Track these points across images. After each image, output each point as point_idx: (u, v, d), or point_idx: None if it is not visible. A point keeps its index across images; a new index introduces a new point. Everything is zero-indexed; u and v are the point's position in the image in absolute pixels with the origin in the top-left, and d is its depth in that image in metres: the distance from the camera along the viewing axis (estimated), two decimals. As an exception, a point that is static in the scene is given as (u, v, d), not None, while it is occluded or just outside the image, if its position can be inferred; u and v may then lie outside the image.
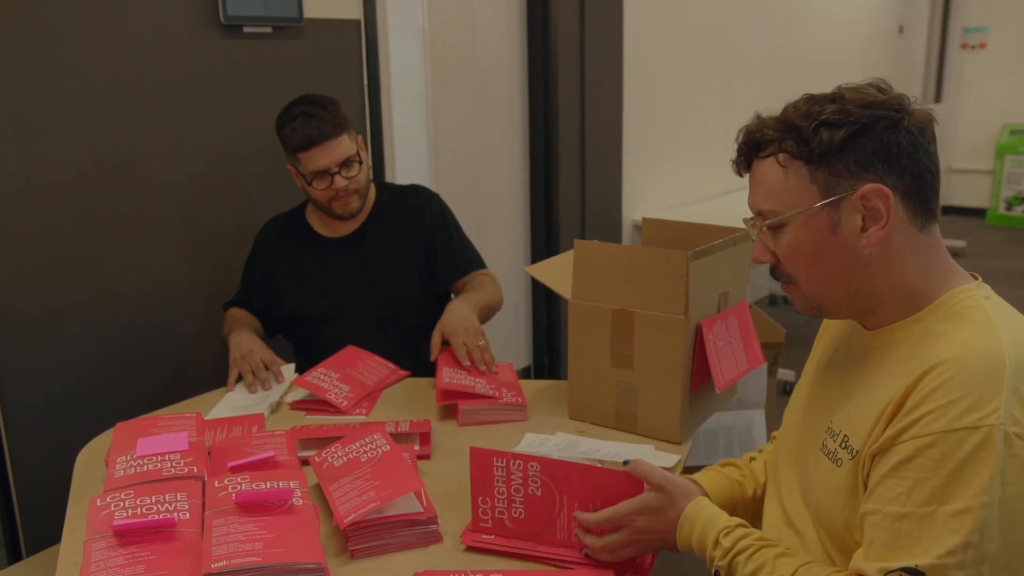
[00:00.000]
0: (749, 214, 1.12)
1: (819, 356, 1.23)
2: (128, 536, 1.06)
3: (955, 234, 6.74)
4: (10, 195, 1.90)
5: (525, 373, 3.59)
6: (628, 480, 1.18)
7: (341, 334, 1.99)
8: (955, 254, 4.36)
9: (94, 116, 2.01)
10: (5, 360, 1.92)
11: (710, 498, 1.21)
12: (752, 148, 1.06)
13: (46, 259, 1.97)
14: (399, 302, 2.06)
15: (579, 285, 1.65)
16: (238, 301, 2.14)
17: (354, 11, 2.52)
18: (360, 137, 2.02)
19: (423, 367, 1.97)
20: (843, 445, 1.04)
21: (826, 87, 1.08)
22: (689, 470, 1.53)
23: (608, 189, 3.73)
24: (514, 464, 1.23)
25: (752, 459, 1.38)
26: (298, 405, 1.78)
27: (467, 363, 1.80)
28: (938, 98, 7.57)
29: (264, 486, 1.18)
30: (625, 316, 1.59)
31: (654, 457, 1.51)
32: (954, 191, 7.57)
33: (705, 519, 1.11)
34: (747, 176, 1.10)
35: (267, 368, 1.86)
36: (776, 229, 1.06)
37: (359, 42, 2.56)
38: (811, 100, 1.03)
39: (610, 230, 3.77)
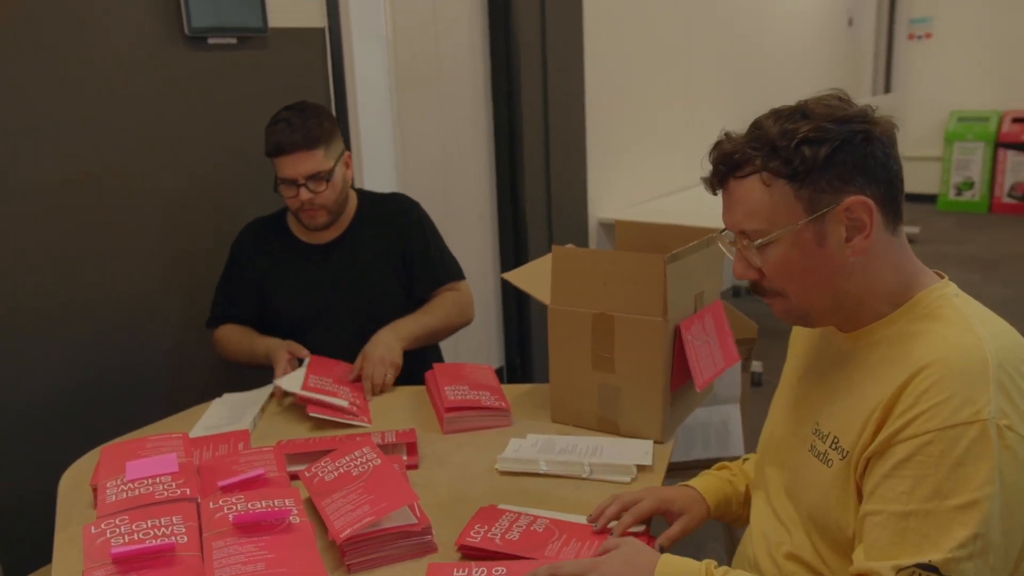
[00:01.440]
0: (716, 211, 1.14)
1: (796, 361, 1.27)
2: (128, 563, 1.06)
3: (908, 220, 6.83)
4: (-24, 216, 1.87)
5: (498, 375, 3.60)
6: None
7: (322, 340, 2.00)
8: (910, 240, 4.46)
9: (57, 130, 1.98)
10: (-23, 384, 1.89)
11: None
12: (730, 168, 1.08)
13: (11, 276, 1.94)
14: (379, 308, 2.06)
15: (558, 290, 1.67)
16: (220, 316, 2.11)
17: (318, 19, 2.52)
18: (347, 154, 2.02)
19: (405, 374, 1.98)
20: (833, 446, 1.07)
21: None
22: (669, 467, 1.57)
23: (573, 189, 3.76)
24: (476, 573, 1.17)
25: (745, 460, 1.43)
26: (304, 400, 1.76)
27: (367, 391, 1.87)
28: (887, 88, 7.74)
29: (260, 506, 1.18)
30: (605, 320, 1.62)
31: (631, 453, 1.53)
32: (905, 178, 7.72)
33: (687, 562, 1.09)
34: (720, 192, 1.12)
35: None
36: (763, 247, 1.08)
37: (324, 50, 2.55)
38: (780, 116, 1.05)
39: (577, 230, 3.81)
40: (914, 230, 6.50)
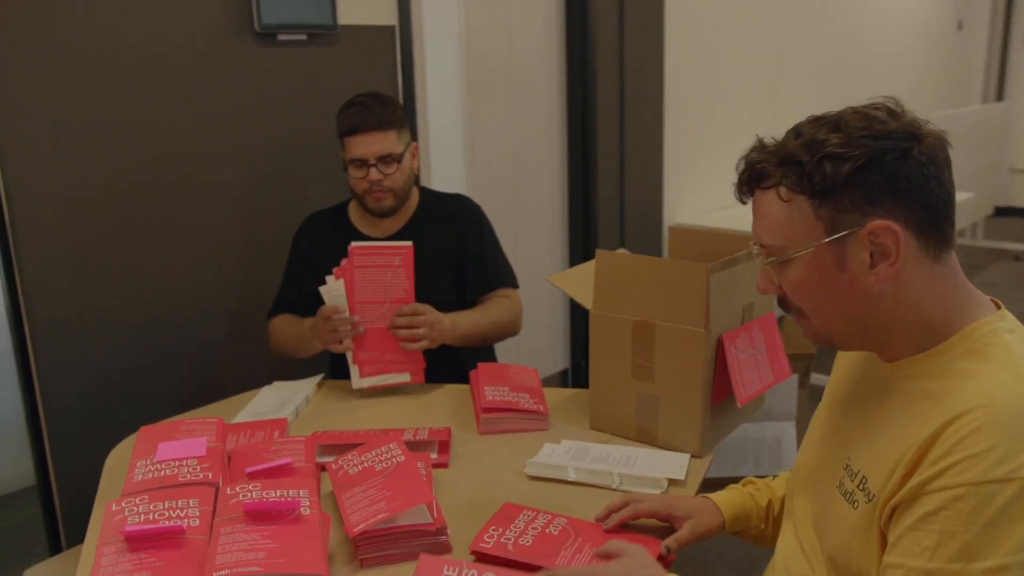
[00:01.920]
0: None
1: (838, 383, 1.19)
2: (138, 542, 1.09)
3: (1017, 236, 6.52)
4: (50, 202, 1.96)
5: (563, 377, 3.58)
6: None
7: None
8: (1016, 257, 4.21)
9: (131, 125, 2.06)
10: (47, 361, 1.99)
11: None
12: (754, 179, 1.01)
13: (85, 264, 2.04)
14: (433, 307, 2.06)
15: (600, 295, 1.64)
16: (282, 305, 2.14)
17: (389, 17, 2.55)
18: (414, 144, 2.05)
19: (455, 373, 1.98)
20: (860, 487, 1.00)
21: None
22: (714, 482, 1.51)
23: (649, 193, 3.70)
24: (467, 572, 1.14)
25: (775, 477, 1.37)
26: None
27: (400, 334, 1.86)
28: (1000, 96, 7.32)
29: (274, 495, 1.20)
30: (646, 328, 1.58)
31: (665, 465, 1.49)
32: (1015, 191, 7.31)
33: None
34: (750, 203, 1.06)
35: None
36: (781, 264, 1.01)
37: (394, 48, 2.58)
38: (815, 125, 0.98)
39: (650, 235, 3.74)
40: (1021, 247, 6.13)
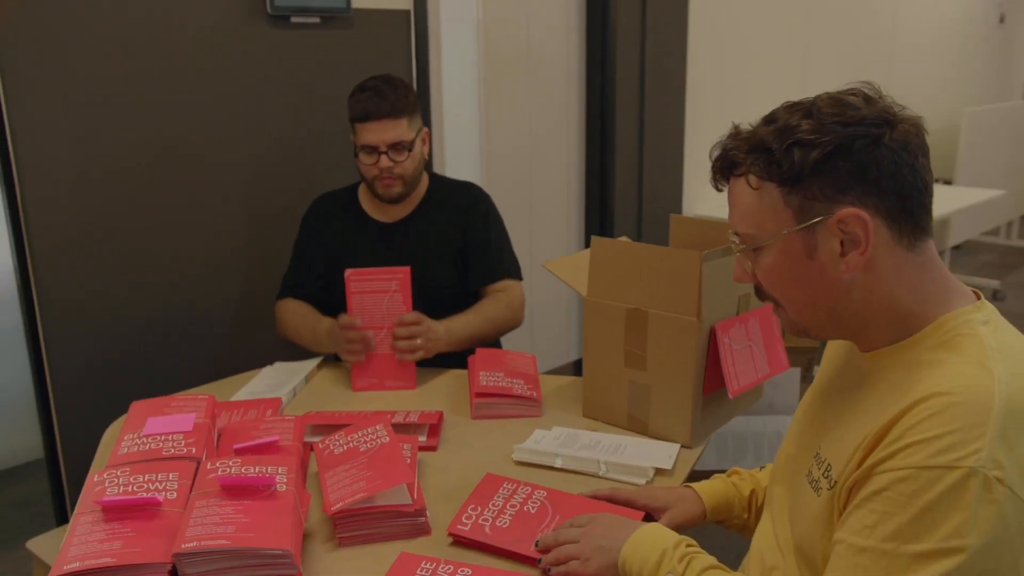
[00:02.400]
0: None
1: (824, 372, 1.18)
2: (113, 512, 1.10)
3: (1054, 236, 6.35)
4: (61, 183, 2.00)
5: (575, 367, 3.57)
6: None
7: None
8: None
9: (142, 107, 2.09)
10: (55, 338, 2.03)
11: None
12: (726, 166, 1.01)
13: (94, 244, 2.07)
14: (433, 294, 2.06)
15: (595, 282, 1.63)
16: (291, 287, 2.14)
17: (404, 2, 2.55)
18: (425, 130, 2.05)
19: (454, 357, 1.98)
20: (825, 474, 0.99)
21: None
22: (708, 474, 1.50)
23: (668, 184, 3.66)
24: (443, 569, 1.16)
25: (762, 468, 1.36)
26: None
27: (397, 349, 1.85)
28: (1042, 92, 7.14)
29: (252, 471, 1.21)
30: (639, 315, 1.56)
31: (653, 454, 1.48)
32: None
33: (661, 531, 1.12)
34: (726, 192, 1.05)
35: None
36: (753, 252, 1.01)
37: (408, 33, 2.58)
38: (789, 110, 0.96)
39: (668, 226, 3.70)
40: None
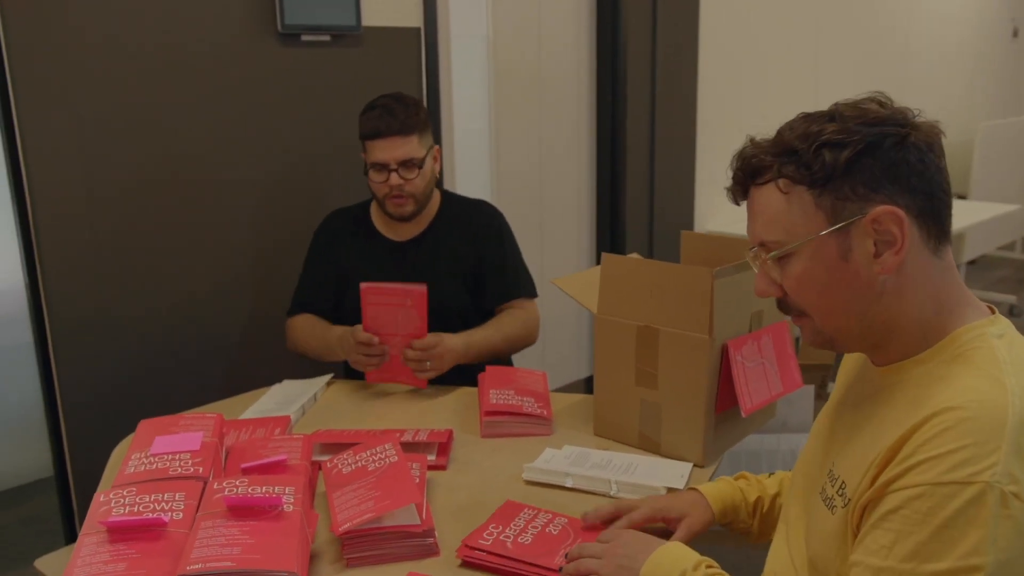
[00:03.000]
0: None
1: (837, 391, 1.17)
2: (118, 533, 1.09)
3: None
4: (73, 201, 2.01)
5: (587, 384, 3.55)
6: None
7: None
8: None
9: (153, 124, 2.10)
10: (66, 357, 2.03)
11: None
12: (748, 175, 0.99)
13: (105, 263, 2.08)
14: (446, 312, 2.05)
15: (605, 300, 1.61)
16: (302, 303, 2.13)
17: (414, 19, 2.55)
18: (436, 148, 2.04)
19: (464, 375, 1.96)
20: (839, 492, 0.98)
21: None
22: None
23: (679, 200, 3.65)
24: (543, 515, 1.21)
25: (770, 475, 1.34)
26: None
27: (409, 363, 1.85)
28: (1057, 106, 7.09)
29: (259, 491, 1.20)
30: (650, 333, 1.55)
31: (665, 474, 1.46)
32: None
33: (683, 550, 1.10)
34: (745, 204, 1.04)
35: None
36: (782, 260, 0.99)
37: (419, 50, 2.58)
38: (808, 119, 0.96)
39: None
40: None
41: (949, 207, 0.96)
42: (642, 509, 1.28)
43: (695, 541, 1.25)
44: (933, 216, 0.94)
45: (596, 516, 1.29)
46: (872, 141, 0.91)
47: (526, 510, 1.35)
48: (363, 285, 1.84)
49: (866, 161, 0.92)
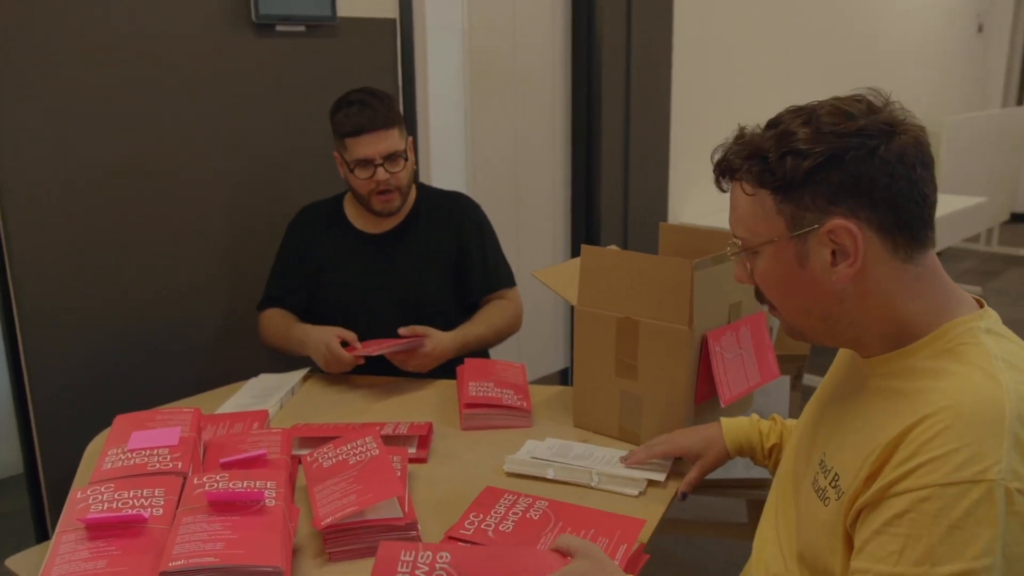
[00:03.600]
0: None
1: (828, 380, 1.18)
2: (97, 530, 1.08)
3: (1033, 245, 6.42)
4: (43, 193, 1.97)
5: (562, 376, 3.56)
6: (550, 559, 1.08)
7: (366, 332, 1.99)
8: (1031, 269, 3.94)
9: (126, 115, 2.06)
10: (36, 352, 1.99)
11: None
12: (725, 170, 1.02)
13: (76, 255, 2.04)
14: (426, 306, 2.04)
15: (585, 292, 1.62)
16: (273, 297, 2.10)
17: (390, 10, 2.53)
18: (411, 139, 2.02)
19: (443, 368, 1.96)
20: (833, 483, 0.98)
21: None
22: (706, 483, 1.49)
23: (653, 193, 3.66)
24: (421, 557, 1.07)
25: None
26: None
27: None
28: (1020, 101, 7.22)
29: (240, 486, 1.19)
30: (630, 324, 1.55)
31: (646, 465, 1.47)
32: (1035, 199, 7.21)
33: None
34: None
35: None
36: (749, 256, 1.02)
37: (394, 41, 2.56)
38: (792, 115, 0.97)
39: (654, 236, 3.70)
40: (1037, 255, 6.04)
41: (924, 216, 0.94)
42: (664, 445, 1.44)
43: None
44: (900, 227, 0.93)
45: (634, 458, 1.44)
46: (835, 154, 0.91)
47: (506, 496, 1.35)
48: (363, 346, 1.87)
49: (827, 173, 0.92)
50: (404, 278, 2.04)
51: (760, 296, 1.07)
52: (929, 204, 0.95)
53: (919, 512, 0.84)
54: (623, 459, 1.46)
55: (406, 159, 1.96)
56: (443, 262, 2.06)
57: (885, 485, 0.87)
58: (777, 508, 1.16)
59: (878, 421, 0.93)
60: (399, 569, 1.05)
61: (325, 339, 1.86)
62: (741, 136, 1.02)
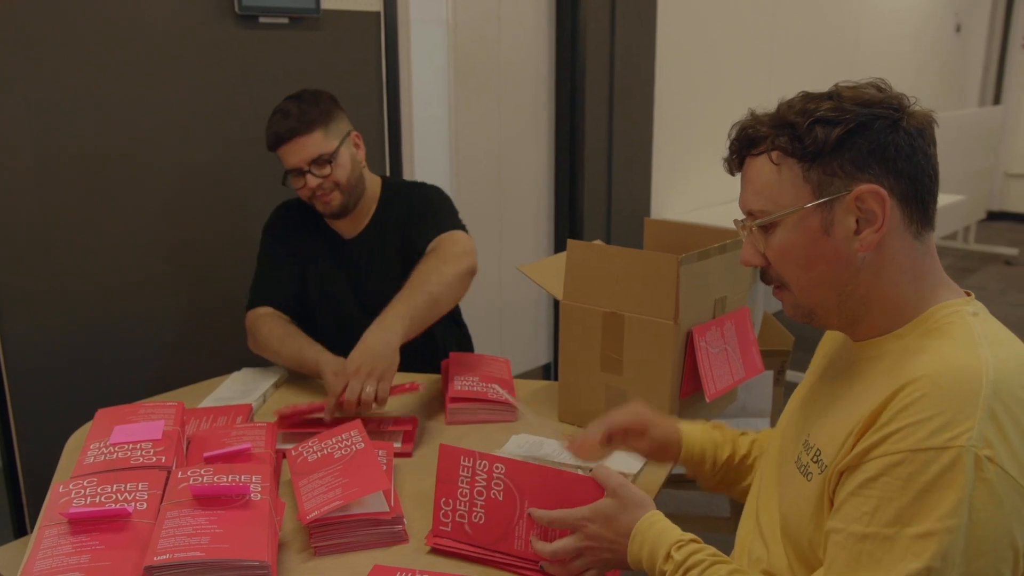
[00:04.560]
0: None
1: (816, 368, 1.20)
2: (80, 524, 1.07)
3: (1009, 241, 6.51)
4: (22, 183, 1.94)
5: (545, 371, 3.56)
6: (590, 485, 1.15)
7: (336, 334, 1.89)
8: (1007, 262, 4.21)
9: (107, 104, 2.04)
10: (12, 342, 1.96)
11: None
12: (745, 145, 1.02)
13: (53, 245, 2.01)
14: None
15: (571, 286, 1.62)
16: (262, 294, 1.96)
17: (373, 3, 2.52)
18: (354, 133, 1.93)
19: (430, 362, 1.95)
20: (815, 459, 1.00)
21: None
22: (687, 479, 1.50)
23: (636, 189, 3.67)
24: (480, 464, 1.20)
25: (742, 434, 1.36)
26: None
27: (344, 412, 1.58)
28: (997, 100, 7.31)
29: (225, 479, 1.18)
30: (615, 319, 1.56)
31: (619, 460, 1.47)
32: (1009, 196, 7.31)
33: (657, 532, 1.09)
34: (739, 176, 1.06)
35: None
36: (767, 230, 1.01)
37: (378, 34, 2.55)
38: (807, 97, 0.99)
39: (637, 230, 3.72)
40: (1013, 251, 6.12)
41: (934, 194, 0.99)
42: (622, 415, 1.32)
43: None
44: (917, 200, 0.97)
45: (580, 438, 1.33)
46: (863, 121, 0.94)
47: (463, 460, 1.22)
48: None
49: (856, 140, 0.95)
50: (370, 281, 1.98)
51: (767, 276, 1.06)
52: (936, 183, 0.99)
53: (892, 476, 0.87)
54: (567, 446, 1.34)
55: (332, 161, 1.85)
56: (403, 257, 1.95)
57: (864, 449, 0.90)
58: (759, 497, 1.17)
59: (863, 396, 0.96)
60: (460, 472, 1.20)
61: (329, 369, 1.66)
62: (754, 115, 1.03)
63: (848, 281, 0.99)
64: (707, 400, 1.53)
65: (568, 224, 3.42)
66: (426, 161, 2.91)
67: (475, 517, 1.22)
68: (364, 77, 2.53)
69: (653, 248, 1.83)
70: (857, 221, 0.96)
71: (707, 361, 1.54)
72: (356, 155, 1.93)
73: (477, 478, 1.22)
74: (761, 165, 1.01)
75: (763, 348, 1.82)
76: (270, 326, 1.87)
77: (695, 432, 1.34)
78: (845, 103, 0.95)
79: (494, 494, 1.21)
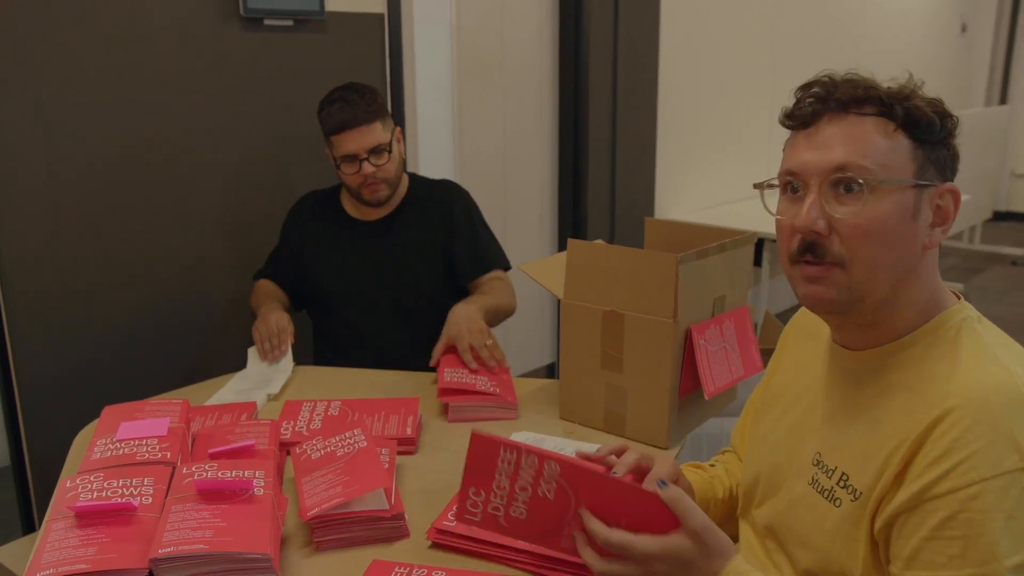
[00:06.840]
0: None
1: (788, 381, 1.16)
2: (87, 518, 1.09)
3: (1014, 241, 6.50)
4: (33, 185, 1.96)
5: (549, 371, 3.58)
6: (660, 508, 0.97)
7: (358, 318, 2.05)
8: (1013, 262, 4.20)
9: (114, 107, 2.06)
10: (23, 342, 1.99)
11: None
12: (852, 100, 0.97)
13: (64, 246, 2.03)
14: (417, 293, 2.09)
15: (571, 285, 1.64)
16: (267, 272, 2.20)
17: (377, 5, 2.54)
18: (398, 129, 2.06)
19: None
20: (842, 484, 0.97)
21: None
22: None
23: (640, 188, 3.69)
24: (527, 460, 1.00)
25: (712, 465, 1.34)
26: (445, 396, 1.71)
27: (474, 366, 1.78)
28: (1003, 100, 7.29)
29: (229, 475, 1.20)
30: (615, 318, 1.57)
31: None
32: (1015, 196, 7.29)
33: None
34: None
35: (278, 335, 1.94)
36: (854, 195, 0.93)
37: (382, 36, 2.57)
38: (912, 82, 1.01)
39: (642, 229, 3.72)
40: (1018, 252, 6.10)
41: None
42: (632, 454, 1.15)
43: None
44: None
45: (608, 450, 1.17)
46: (955, 126, 0.98)
47: (503, 453, 1.01)
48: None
49: (951, 141, 0.98)
50: (395, 266, 2.09)
51: (821, 249, 0.95)
52: None
53: (971, 510, 0.83)
54: (596, 459, 1.17)
55: (390, 151, 2.00)
56: (433, 248, 2.10)
57: (921, 489, 0.86)
58: (761, 519, 1.12)
59: (888, 415, 0.93)
60: (499, 466, 1.00)
61: (280, 325, 1.95)
62: (847, 76, 1.02)
63: (907, 272, 0.95)
64: (706, 398, 1.55)
65: (572, 223, 3.43)
66: (430, 161, 2.93)
67: (514, 511, 1.05)
68: (369, 78, 2.54)
69: (654, 247, 1.84)
70: (934, 215, 0.97)
71: (706, 359, 1.55)
72: (400, 150, 2.07)
73: (521, 473, 1.01)
74: (873, 126, 0.95)
75: (763, 347, 1.83)
76: (264, 288, 2.15)
77: (697, 478, 1.27)
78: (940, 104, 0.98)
79: (542, 492, 1.02)
